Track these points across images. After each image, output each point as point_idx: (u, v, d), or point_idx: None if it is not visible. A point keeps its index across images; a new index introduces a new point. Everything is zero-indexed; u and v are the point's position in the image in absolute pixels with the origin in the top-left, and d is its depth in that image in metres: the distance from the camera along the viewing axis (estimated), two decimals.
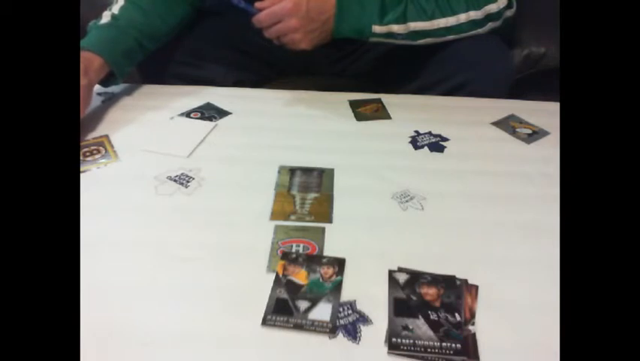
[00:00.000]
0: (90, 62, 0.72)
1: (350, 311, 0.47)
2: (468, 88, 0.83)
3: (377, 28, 0.77)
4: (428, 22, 0.77)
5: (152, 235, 0.55)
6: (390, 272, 0.51)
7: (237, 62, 0.94)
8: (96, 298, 0.48)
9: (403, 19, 0.76)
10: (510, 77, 0.87)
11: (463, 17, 0.78)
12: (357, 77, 0.98)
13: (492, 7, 0.79)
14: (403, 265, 0.52)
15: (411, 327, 0.45)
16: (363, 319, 0.46)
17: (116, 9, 0.79)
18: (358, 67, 0.97)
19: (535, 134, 0.74)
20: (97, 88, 0.82)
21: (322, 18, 0.74)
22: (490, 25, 0.81)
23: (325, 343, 0.45)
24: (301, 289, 0.49)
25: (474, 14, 0.78)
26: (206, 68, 0.91)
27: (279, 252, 0.53)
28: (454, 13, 0.78)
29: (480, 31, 0.81)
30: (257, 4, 0.73)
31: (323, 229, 0.56)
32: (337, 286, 0.49)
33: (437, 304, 0.48)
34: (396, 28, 0.77)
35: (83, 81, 0.69)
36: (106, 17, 0.78)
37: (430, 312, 0.47)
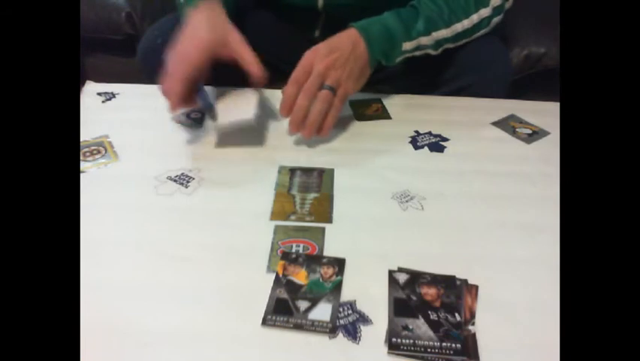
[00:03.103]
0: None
1: (350, 311, 0.47)
2: (469, 91, 0.83)
3: (407, 45, 0.76)
4: (449, 29, 0.77)
5: (152, 235, 0.55)
6: (390, 272, 0.51)
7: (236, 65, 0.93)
8: (96, 298, 0.48)
9: (426, 31, 0.76)
10: (509, 78, 0.88)
11: (475, 18, 0.78)
12: None
13: (496, 1, 0.79)
14: (403, 265, 0.52)
15: (411, 327, 0.45)
16: (363, 319, 0.46)
17: None
18: None
19: (535, 134, 0.74)
20: (97, 88, 0.83)
21: (347, 48, 0.71)
22: (495, 21, 0.81)
23: (325, 343, 0.45)
24: (301, 289, 0.49)
25: (484, 11, 0.78)
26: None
27: (279, 252, 0.53)
28: (467, 15, 0.77)
29: (487, 29, 0.81)
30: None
31: (323, 229, 0.56)
32: (337, 286, 0.49)
33: (437, 304, 0.48)
34: (424, 40, 0.76)
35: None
36: None
37: (430, 312, 0.47)
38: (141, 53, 0.90)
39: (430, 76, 0.86)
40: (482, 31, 0.81)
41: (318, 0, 0.85)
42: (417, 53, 0.78)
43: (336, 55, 0.70)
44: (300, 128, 0.69)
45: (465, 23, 0.78)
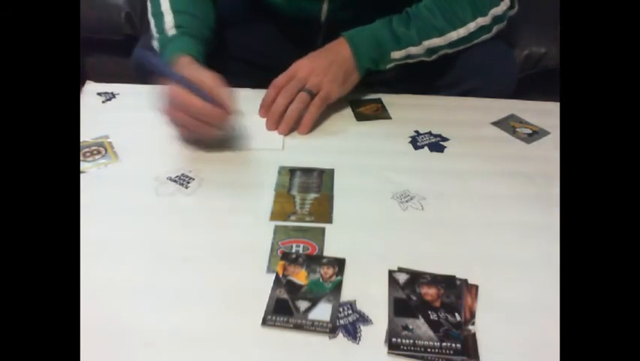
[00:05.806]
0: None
1: (350, 311, 0.47)
2: (474, 94, 0.83)
3: (396, 54, 0.77)
4: (442, 38, 0.77)
5: (152, 235, 0.55)
6: (390, 272, 0.51)
7: (240, 72, 0.93)
8: (96, 299, 0.48)
9: (417, 41, 0.76)
10: (514, 81, 0.88)
11: (472, 26, 0.78)
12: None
13: (497, 11, 0.78)
14: (403, 265, 0.52)
15: (411, 327, 0.45)
16: (363, 319, 0.46)
17: (171, 22, 0.77)
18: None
19: (535, 134, 0.74)
20: (97, 88, 0.83)
21: (330, 56, 0.75)
22: (496, 28, 0.81)
23: (325, 343, 0.45)
24: (301, 289, 0.49)
25: (482, 20, 0.78)
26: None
27: (279, 252, 0.53)
28: (463, 24, 0.77)
29: (488, 36, 0.81)
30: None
31: (323, 229, 0.56)
32: (337, 286, 0.49)
33: (437, 304, 0.48)
34: (414, 50, 0.77)
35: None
36: (171, 30, 0.76)
37: (430, 312, 0.47)
38: (136, 62, 0.90)
39: (434, 79, 0.86)
40: (483, 37, 0.81)
41: (321, 12, 0.86)
42: (409, 61, 0.79)
43: (318, 63, 0.74)
44: (277, 124, 0.73)
45: (461, 32, 0.78)
